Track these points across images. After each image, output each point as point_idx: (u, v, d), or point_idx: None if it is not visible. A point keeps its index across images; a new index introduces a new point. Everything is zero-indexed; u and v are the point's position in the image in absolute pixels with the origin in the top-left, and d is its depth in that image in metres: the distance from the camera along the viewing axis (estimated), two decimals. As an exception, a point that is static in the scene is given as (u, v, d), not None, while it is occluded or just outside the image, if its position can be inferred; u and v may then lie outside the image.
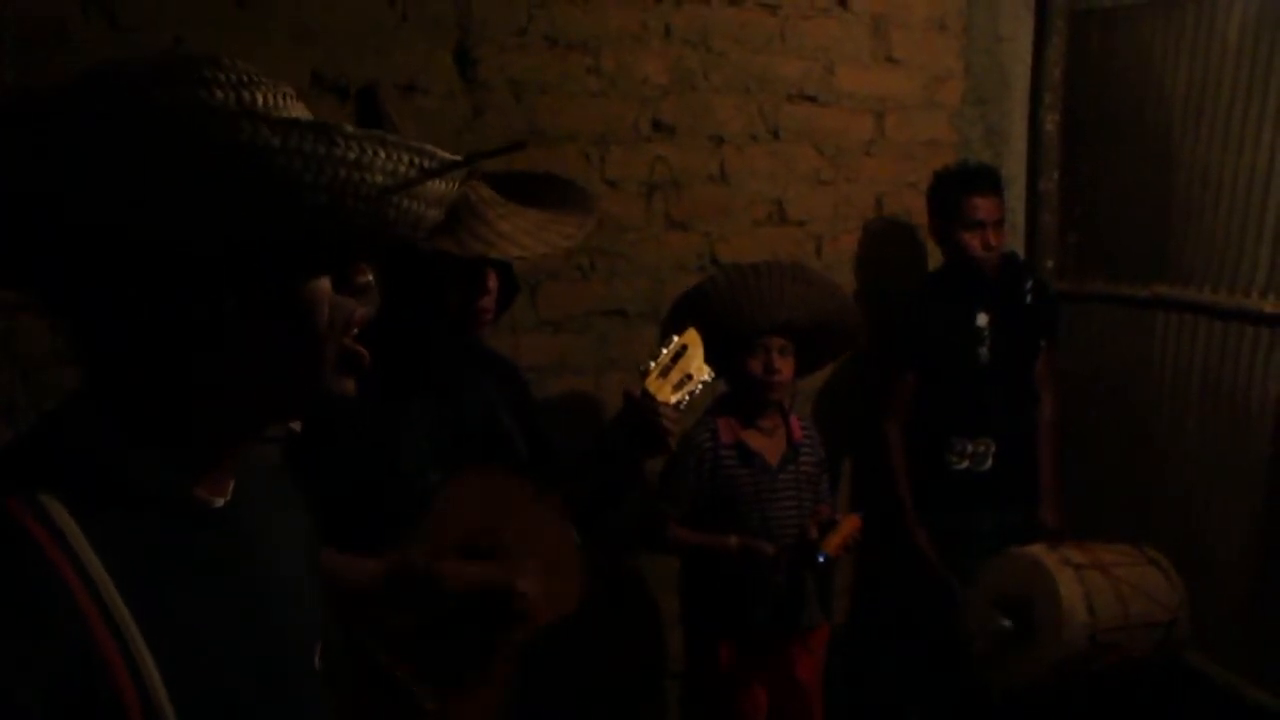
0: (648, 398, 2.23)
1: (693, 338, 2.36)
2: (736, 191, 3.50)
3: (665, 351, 2.32)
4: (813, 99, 3.58)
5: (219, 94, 0.85)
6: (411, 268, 2.07)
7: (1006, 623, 3.03)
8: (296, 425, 0.98)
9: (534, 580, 2.07)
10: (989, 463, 3.41)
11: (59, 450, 0.89)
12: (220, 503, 0.97)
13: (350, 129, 0.85)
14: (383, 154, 0.87)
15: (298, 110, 0.90)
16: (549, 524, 2.15)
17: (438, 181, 0.92)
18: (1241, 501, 3.25)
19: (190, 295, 0.87)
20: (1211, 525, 3.35)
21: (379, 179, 0.87)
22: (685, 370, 2.31)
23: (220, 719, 0.90)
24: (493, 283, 2.14)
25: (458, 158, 0.93)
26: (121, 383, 0.92)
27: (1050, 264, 3.89)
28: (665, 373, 2.29)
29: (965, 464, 3.41)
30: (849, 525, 2.85)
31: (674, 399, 2.27)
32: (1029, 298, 3.48)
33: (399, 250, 1.98)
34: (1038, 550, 3.09)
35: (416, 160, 0.89)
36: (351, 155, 0.85)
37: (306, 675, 1.06)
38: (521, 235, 2.05)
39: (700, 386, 2.34)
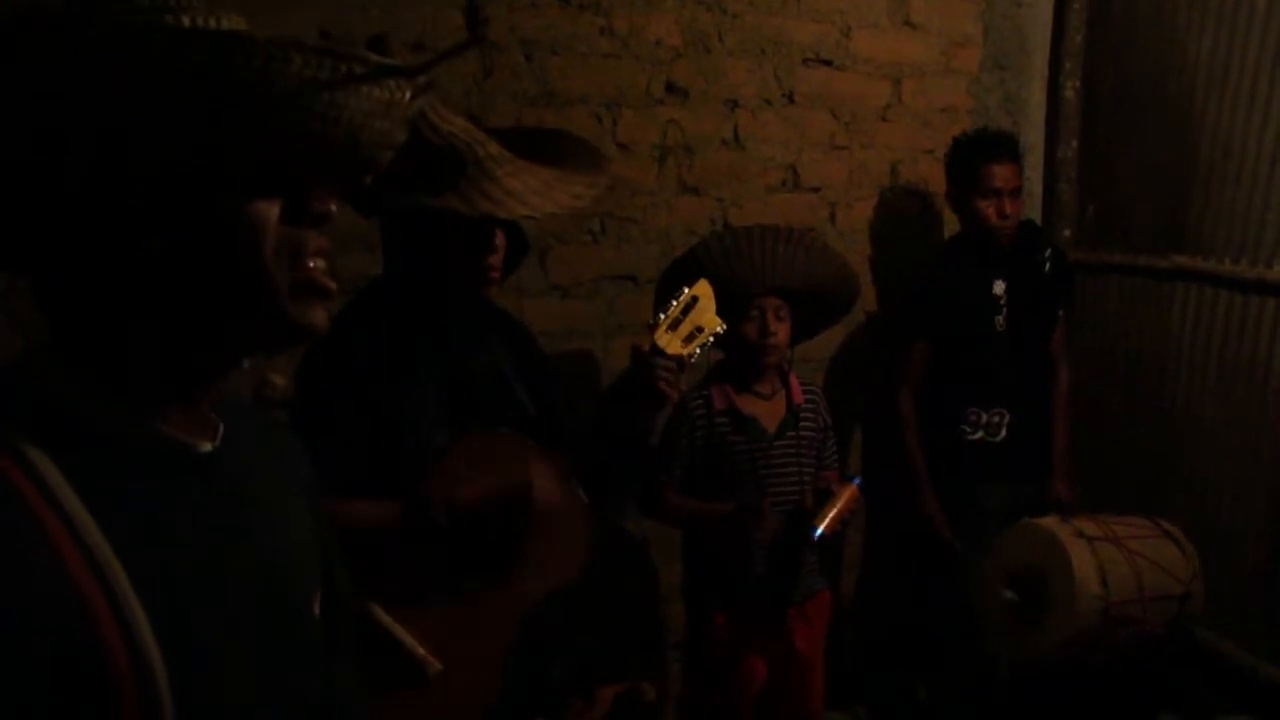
0: (656, 351, 2.19)
1: (704, 289, 2.31)
2: (750, 156, 3.46)
3: (675, 304, 2.27)
4: (828, 63, 3.53)
5: (169, 19, 0.82)
6: (417, 225, 2.04)
7: (1009, 594, 3.00)
8: (279, 379, 0.96)
9: (549, 488, 2.06)
10: (1003, 433, 3.37)
11: (27, 400, 0.87)
12: (208, 447, 0.95)
13: (262, 37, 0.81)
14: (298, 60, 0.82)
15: (233, 25, 0.87)
16: (555, 483, 2.12)
17: (378, 89, 0.87)
18: (1258, 476, 3.22)
19: (122, 229, 0.85)
20: (1227, 500, 3.32)
21: (293, 85, 0.83)
22: (696, 323, 2.26)
23: (209, 660, 0.89)
24: (500, 240, 2.11)
25: (393, 62, 0.88)
26: (78, 328, 0.90)
27: (1067, 233, 3.85)
28: (675, 325, 2.24)
29: (979, 434, 3.38)
30: (845, 496, 2.79)
31: (685, 351, 2.22)
32: (1047, 266, 3.43)
33: (404, 208, 1.98)
34: (1051, 522, 3.05)
35: (342, 66, 0.84)
36: (256, 62, 0.81)
37: (304, 621, 1.05)
38: (530, 194, 2.00)
39: (712, 339, 2.28)
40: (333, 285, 0.96)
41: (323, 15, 2.82)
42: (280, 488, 1.07)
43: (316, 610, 1.07)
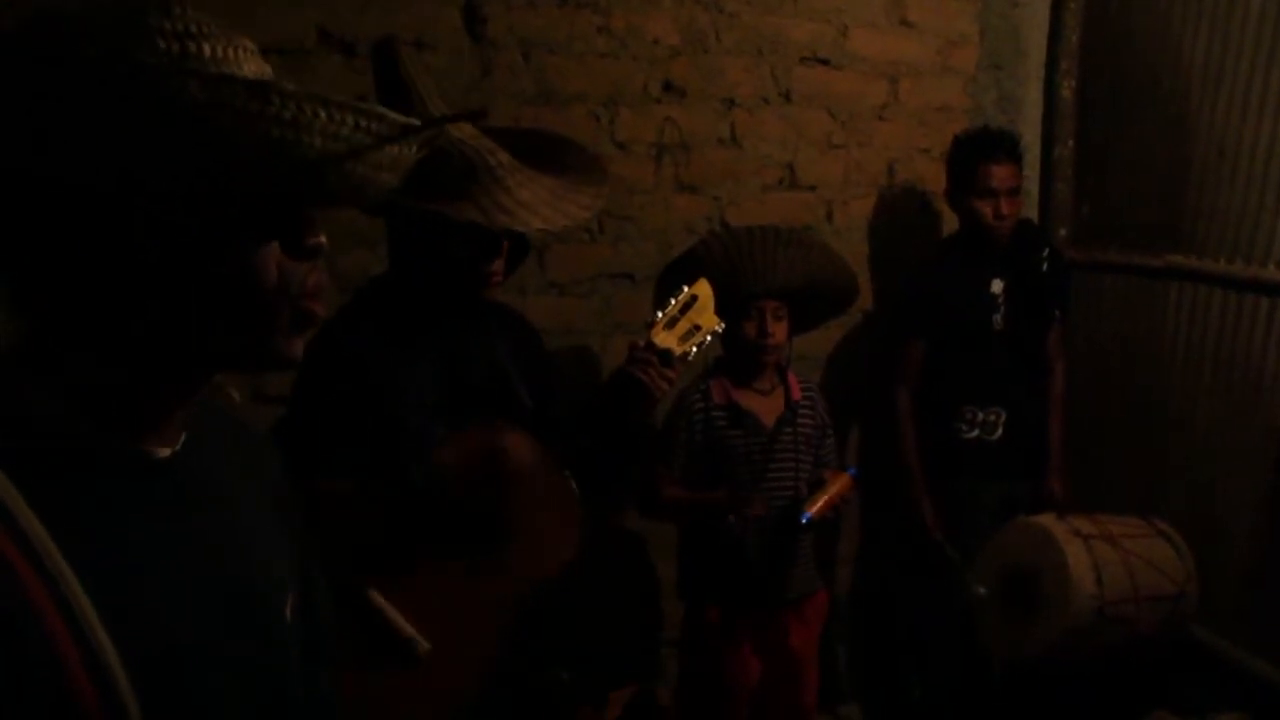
0: (651, 349, 2.20)
1: (703, 288, 2.33)
2: (747, 155, 3.46)
3: (674, 302, 2.29)
4: (825, 62, 3.54)
5: (161, 44, 0.83)
6: (424, 229, 2.05)
7: (982, 590, 3.01)
8: (235, 394, 0.97)
9: (524, 448, 2.07)
10: (999, 432, 3.38)
11: None
12: (167, 453, 0.94)
13: (291, 88, 0.83)
14: (323, 115, 0.84)
15: (253, 64, 0.88)
16: (549, 475, 2.13)
17: (392, 146, 0.90)
18: (1252, 474, 3.23)
19: (123, 251, 0.85)
20: (1221, 498, 3.33)
21: (317, 141, 0.84)
22: (694, 321, 2.28)
23: (174, 667, 0.88)
24: (503, 247, 2.13)
25: (410, 121, 0.90)
26: (54, 336, 0.90)
27: (1063, 233, 3.85)
28: (672, 324, 2.25)
29: (975, 432, 3.38)
30: (837, 485, 2.83)
31: (680, 350, 2.24)
32: (1044, 266, 3.44)
33: (408, 212, 1.99)
34: (1047, 520, 3.06)
35: (363, 123, 0.87)
36: (287, 114, 0.82)
37: (275, 627, 1.04)
38: (542, 206, 2.03)
39: (709, 337, 2.30)
40: (320, 314, 0.97)
41: (322, 14, 2.83)
42: (247, 492, 1.06)
43: (289, 615, 1.06)
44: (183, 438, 0.97)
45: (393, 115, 0.89)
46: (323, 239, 0.95)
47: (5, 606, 0.78)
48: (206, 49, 0.85)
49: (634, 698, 2.04)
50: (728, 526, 2.86)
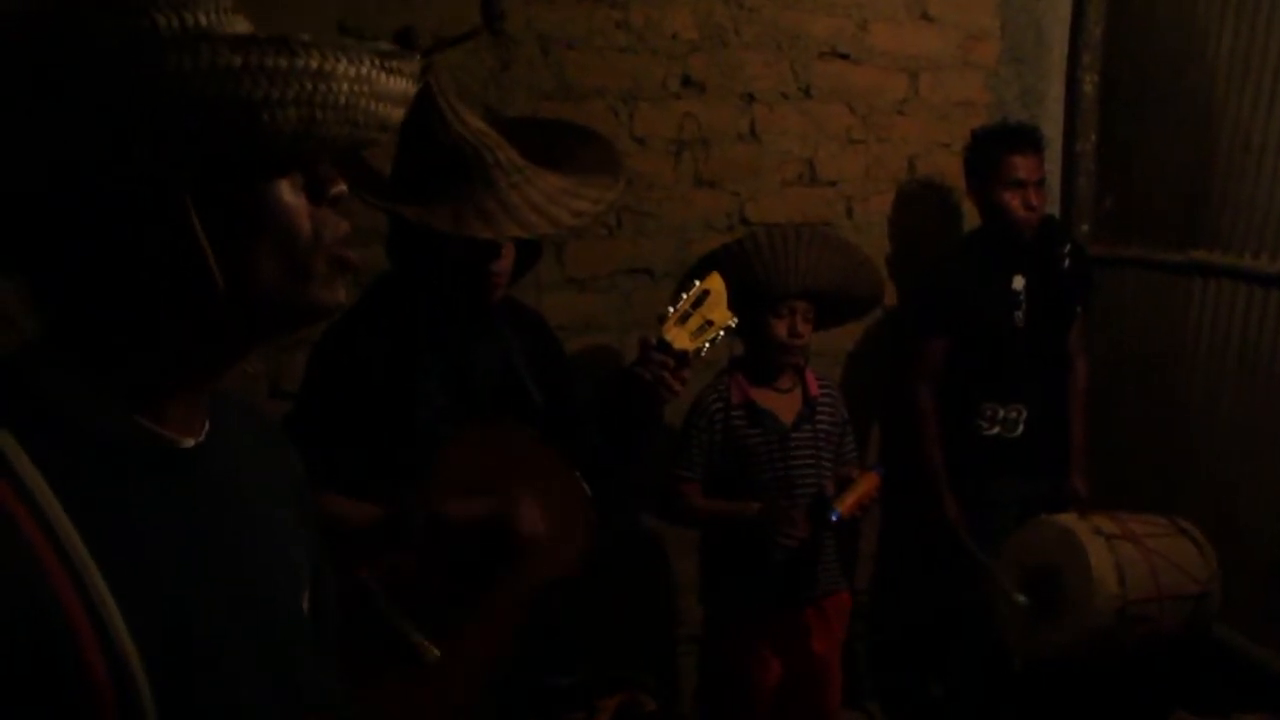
0: (663, 345, 2.17)
1: (716, 283, 2.29)
2: (766, 150, 3.45)
3: (685, 297, 2.25)
4: (845, 57, 3.52)
5: (161, 19, 0.83)
6: (414, 227, 2.03)
7: (1021, 598, 2.98)
8: (250, 367, 0.97)
9: (535, 519, 2.05)
10: (1020, 429, 3.36)
11: (10, 393, 0.87)
12: (191, 443, 0.95)
13: (307, 37, 0.84)
14: (344, 60, 0.85)
15: (240, 23, 0.89)
16: (555, 474, 2.12)
17: (400, 80, 0.91)
18: (1276, 472, 3.19)
19: (159, 225, 0.86)
20: (1245, 496, 3.30)
21: (345, 86, 0.86)
22: (706, 316, 2.24)
23: (188, 654, 0.88)
24: (507, 248, 2.10)
25: (411, 52, 0.92)
26: (85, 324, 0.90)
27: (1085, 228, 3.83)
28: (684, 319, 2.22)
29: (996, 430, 3.36)
30: (866, 483, 2.81)
31: (692, 346, 2.20)
32: (1067, 262, 3.41)
33: (387, 213, 1.97)
34: (1068, 519, 3.04)
35: (376, 60, 0.88)
36: (314, 64, 0.84)
37: (291, 618, 1.04)
38: (528, 211, 1.99)
39: (721, 334, 2.25)
40: (355, 259, 0.98)
41: (341, 10, 2.83)
42: (267, 484, 1.06)
43: (306, 607, 1.07)
44: (206, 428, 0.97)
45: (401, 50, 0.90)
46: (344, 186, 0.97)
47: (26, 583, 0.79)
48: (202, 17, 0.85)
49: (621, 705, 2.03)
50: (767, 537, 2.84)
